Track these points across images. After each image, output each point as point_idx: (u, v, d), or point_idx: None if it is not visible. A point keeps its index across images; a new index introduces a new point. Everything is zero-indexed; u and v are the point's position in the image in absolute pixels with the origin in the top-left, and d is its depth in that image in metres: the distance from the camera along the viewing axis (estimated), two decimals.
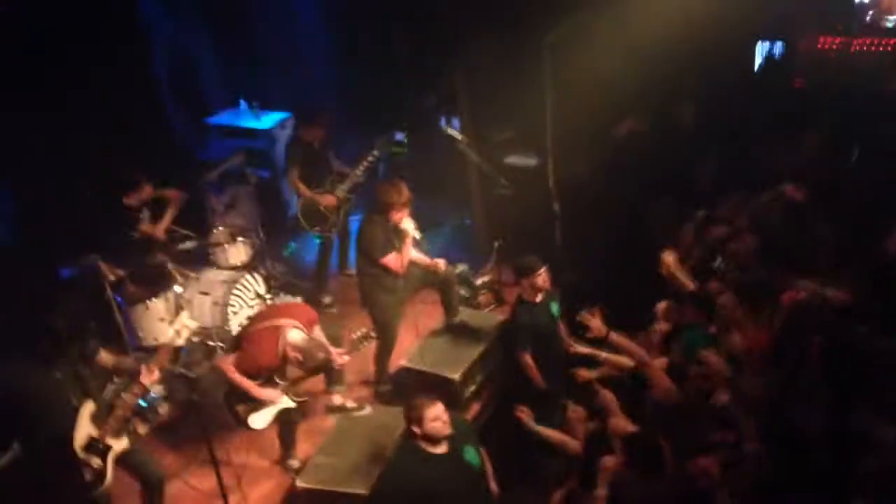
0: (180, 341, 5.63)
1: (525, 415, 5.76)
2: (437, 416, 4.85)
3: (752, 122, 8.06)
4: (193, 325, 5.72)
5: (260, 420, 5.97)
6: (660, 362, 5.64)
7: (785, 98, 8.51)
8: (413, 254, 6.70)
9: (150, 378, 5.38)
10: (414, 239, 6.54)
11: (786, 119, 8.00)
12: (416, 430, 4.90)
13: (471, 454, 5.16)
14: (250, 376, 5.86)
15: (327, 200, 8.03)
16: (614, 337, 5.75)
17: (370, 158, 8.16)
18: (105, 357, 5.55)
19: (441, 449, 4.96)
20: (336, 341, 6.30)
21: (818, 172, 7.04)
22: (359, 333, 6.12)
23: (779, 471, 4.59)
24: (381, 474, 5.26)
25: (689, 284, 6.19)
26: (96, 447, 5.24)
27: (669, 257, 6.34)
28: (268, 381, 5.96)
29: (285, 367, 6.01)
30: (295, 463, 6.40)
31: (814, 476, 4.59)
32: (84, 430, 5.22)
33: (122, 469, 5.47)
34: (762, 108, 8.21)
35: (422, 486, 4.88)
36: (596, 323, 5.81)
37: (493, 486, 5.44)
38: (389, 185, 6.49)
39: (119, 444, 5.35)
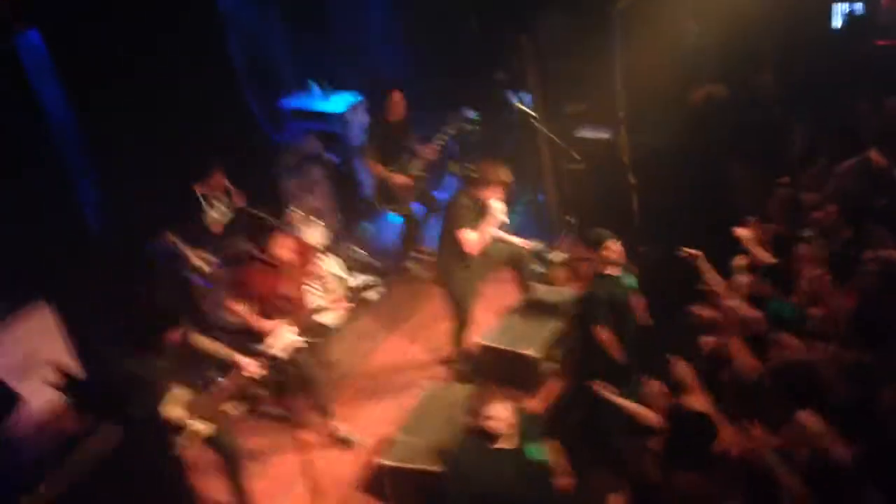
0: (283, 354, 5.75)
1: (602, 387, 5.69)
2: (494, 415, 4.76)
3: (834, 85, 7.82)
4: (299, 340, 5.86)
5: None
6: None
7: (868, 58, 8.22)
8: (499, 234, 6.75)
9: (252, 372, 5.54)
10: (500, 222, 6.56)
11: (869, 80, 7.75)
12: (473, 422, 4.84)
13: (536, 451, 5.11)
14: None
15: (400, 180, 8.10)
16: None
17: (444, 137, 8.21)
18: (202, 342, 5.69)
19: (503, 444, 4.90)
20: None
21: None
22: None
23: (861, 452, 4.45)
24: (446, 468, 5.28)
25: (768, 257, 6.05)
26: (178, 426, 5.36)
27: (744, 232, 6.21)
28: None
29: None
30: (341, 428, 6.54)
31: None
32: (173, 412, 5.35)
33: (205, 447, 5.61)
34: (845, 70, 7.95)
35: (483, 482, 4.88)
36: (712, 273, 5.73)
37: (565, 480, 5.35)
38: (494, 163, 6.51)
39: (204, 427, 5.46)
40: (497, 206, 6.47)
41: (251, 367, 5.57)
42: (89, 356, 6.69)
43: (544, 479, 5.18)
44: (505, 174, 6.41)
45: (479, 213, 6.49)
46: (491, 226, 6.54)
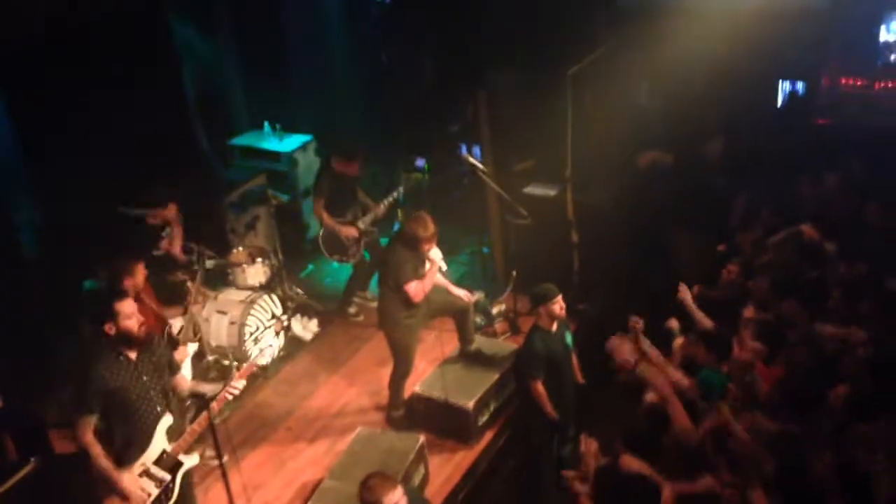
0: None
1: None
2: (395, 501, 4.57)
3: (775, 159, 8.08)
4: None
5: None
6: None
7: (807, 136, 8.53)
8: (440, 280, 6.80)
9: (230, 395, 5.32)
10: (440, 269, 6.62)
11: (808, 157, 8.02)
12: None
13: None
14: None
15: (349, 231, 8.10)
16: (643, 369, 5.61)
17: (394, 195, 8.28)
18: (180, 381, 5.45)
19: None
20: None
21: (837, 212, 7.04)
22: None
23: None
24: None
25: (705, 322, 6.16)
26: (167, 462, 5.17)
27: (685, 293, 6.32)
28: None
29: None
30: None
31: None
32: (159, 444, 5.17)
33: None
34: (785, 145, 8.23)
35: None
36: (624, 351, 5.72)
37: None
38: (416, 220, 6.51)
39: (190, 461, 5.28)
40: (436, 256, 6.54)
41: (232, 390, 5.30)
42: (14, 384, 6.51)
43: None
44: (431, 226, 6.46)
45: (420, 264, 6.54)
46: (433, 275, 6.61)
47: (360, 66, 10.62)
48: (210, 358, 7.36)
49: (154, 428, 5.14)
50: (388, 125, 10.32)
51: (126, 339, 5.04)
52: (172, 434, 5.22)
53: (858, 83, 8.53)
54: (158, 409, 5.16)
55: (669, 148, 8.30)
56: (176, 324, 7.04)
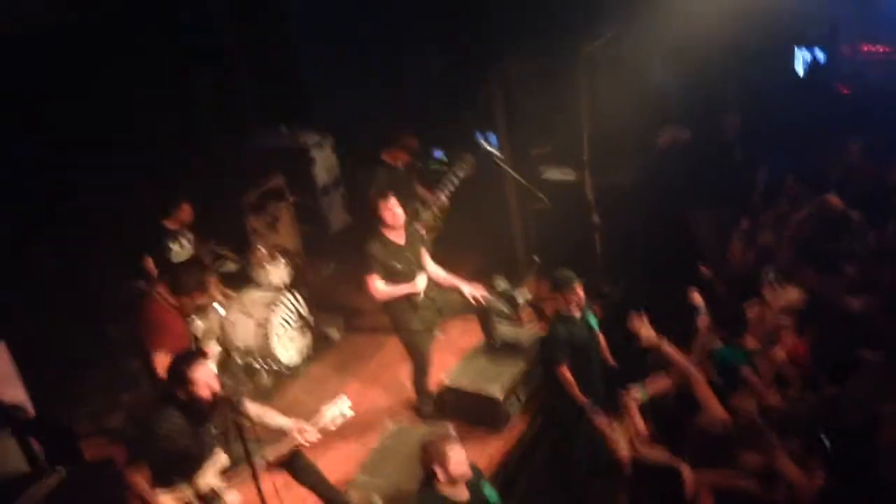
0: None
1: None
2: (460, 458, 4.63)
3: (797, 129, 7.96)
4: None
5: None
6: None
7: (829, 104, 8.40)
8: (450, 280, 6.69)
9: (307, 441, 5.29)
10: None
11: (831, 126, 7.89)
12: (441, 473, 4.66)
13: (489, 490, 5.02)
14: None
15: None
16: (667, 347, 5.43)
17: (454, 179, 8.09)
18: (252, 409, 5.33)
19: (462, 494, 4.76)
20: None
21: (860, 180, 6.92)
22: None
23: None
24: None
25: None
26: (211, 499, 5.05)
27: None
28: None
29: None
30: None
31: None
32: (208, 478, 5.05)
33: None
34: (807, 114, 8.10)
35: None
36: (647, 331, 5.55)
37: None
38: (381, 197, 6.45)
39: (233, 499, 5.11)
40: (421, 282, 6.46)
41: (308, 435, 5.30)
42: (44, 397, 6.56)
43: None
44: (393, 203, 6.38)
45: (392, 256, 6.41)
46: (403, 292, 6.45)
47: (372, 60, 10.56)
48: (239, 361, 7.37)
49: (202, 461, 5.02)
50: (402, 116, 10.24)
51: (196, 406, 4.87)
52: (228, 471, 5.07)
53: (881, 49, 8.41)
54: (213, 450, 5.06)
55: (687, 125, 8.20)
56: (197, 325, 7.04)
